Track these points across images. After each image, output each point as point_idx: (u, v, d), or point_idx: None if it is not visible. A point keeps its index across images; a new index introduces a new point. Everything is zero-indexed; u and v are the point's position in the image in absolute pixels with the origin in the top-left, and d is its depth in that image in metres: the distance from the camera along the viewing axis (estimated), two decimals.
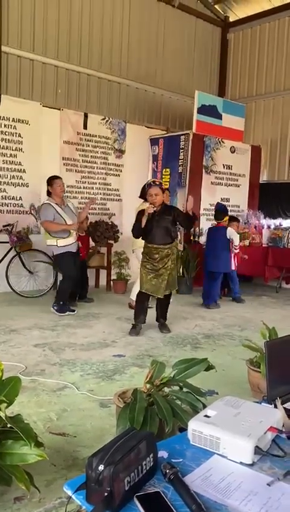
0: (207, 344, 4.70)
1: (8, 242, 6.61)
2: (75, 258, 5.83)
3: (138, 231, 4.95)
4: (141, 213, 4.91)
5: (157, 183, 4.98)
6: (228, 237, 6.61)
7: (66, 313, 5.70)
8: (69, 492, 1.24)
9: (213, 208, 8.11)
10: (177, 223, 5.03)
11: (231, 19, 10.80)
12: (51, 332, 4.90)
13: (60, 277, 6.47)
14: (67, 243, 5.65)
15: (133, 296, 5.65)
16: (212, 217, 8.19)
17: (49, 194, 5.74)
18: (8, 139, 6.94)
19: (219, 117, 8.77)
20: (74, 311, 5.84)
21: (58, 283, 6.45)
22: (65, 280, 5.84)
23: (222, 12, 10.78)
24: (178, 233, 7.42)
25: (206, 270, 6.83)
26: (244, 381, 3.41)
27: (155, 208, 4.80)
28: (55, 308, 5.73)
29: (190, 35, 10.23)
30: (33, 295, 6.70)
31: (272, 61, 9.99)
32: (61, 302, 5.74)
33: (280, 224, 8.99)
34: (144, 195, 5.17)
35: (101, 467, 1.19)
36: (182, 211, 5.16)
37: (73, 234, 5.71)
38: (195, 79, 10.19)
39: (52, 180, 5.70)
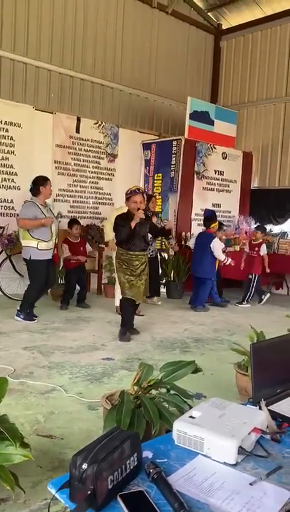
0: (196, 348, 4.72)
1: None
2: (49, 265, 5.57)
3: (127, 234, 4.83)
4: (122, 218, 4.92)
5: (141, 191, 5.06)
6: (211, 247, 6.67)
7: (35, 320, 5.50)
8: (53, 491, 1.25)
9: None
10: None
11: (224, 27, 10.92)
12: (41, 335, 4.90)
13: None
14: (48, 247, 5.41)
15: (117, 301, 5.67)
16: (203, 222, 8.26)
17: (35, 193, 5.53)
18: (0, 142, 6.93)
19: (211, 123, 8.84)
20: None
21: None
22: (32, 287, 5.55)
23: (215, 20, 10.90)
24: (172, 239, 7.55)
25: (192, 274, 6.95)
26: (232, 385, 3.42)
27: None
28: (21, 317, 5.47)
29: (183, 42, 10.32)
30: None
31: (263, 69, 10.10)
32: (28, 311, 5.54)
33: (271, 230, 9.06)
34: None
35: (84, 466, 1.20)
36: (156, 225, 5.25)
37: (53, 239, 5.53)
38: (188, 85, 10.27)
39: (46, 181, 5.52)
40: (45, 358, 4.12)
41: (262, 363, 1.85)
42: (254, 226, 8.65)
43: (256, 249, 7.28)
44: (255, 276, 7.26)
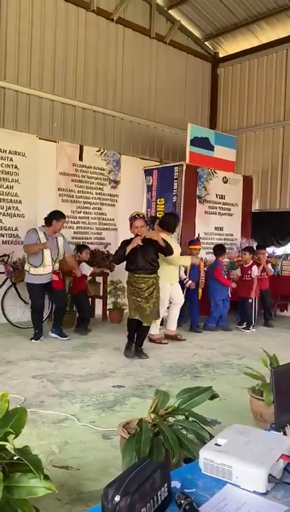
0: (207, 373, 4.67)
1: (3, 272, 6.61)
2: (48, 290, 5.94)
3: (120, 258, 5.18)
4: (125, 242, 5.13)
5: (141, 215, 5.22)
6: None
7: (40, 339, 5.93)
8: None
9: (207, 236, 8.32)
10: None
11: (221, 55, 11.21)
12: (48, 363, 4.85)
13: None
14: (37, 272, 5.79)
15: (153, 330, 5.86)
16: (207, 245, 8.30)
17: (47, 223, 5.88)
18: (5, 171, 7.02)
19: (211, 148, 8.97)
20: (66, 336, 6.05)
21: (53, 313, 6.42)
22: (31, 309, 6.06)
23: (212, 49, 11.19)
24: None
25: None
26: (245, 410, 3.38)
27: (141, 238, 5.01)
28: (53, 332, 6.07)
29: (181, 70, 10.57)
30: (29, 326, 6.63)
31: (261, 95, 10.32)
32: (36, 331, 5.96)
33: (273, 252, 9.08)
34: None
35: (117, 498, 1.18)
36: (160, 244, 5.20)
37: (46, 266, 5.79)
38: (187, 112, 10.48)
39: (61, 217, 5.90)
40: (55, 386, 4.08)
41: (284, 387, 1.84)
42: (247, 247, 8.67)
43: (249, 272, 7.13)
44: (254, 299, 7.12)
